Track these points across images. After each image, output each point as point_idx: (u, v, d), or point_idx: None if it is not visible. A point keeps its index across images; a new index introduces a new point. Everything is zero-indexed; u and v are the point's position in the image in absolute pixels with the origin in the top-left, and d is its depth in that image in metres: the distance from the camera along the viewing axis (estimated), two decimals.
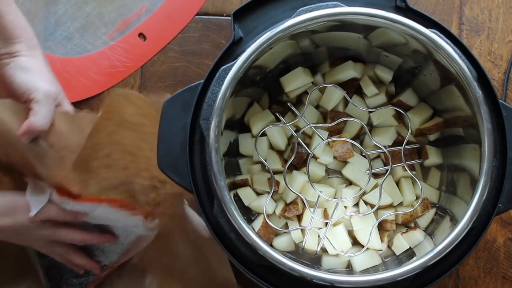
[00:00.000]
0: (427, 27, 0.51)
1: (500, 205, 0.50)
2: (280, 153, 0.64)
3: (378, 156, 0.64)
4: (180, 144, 0.52)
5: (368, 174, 0.62)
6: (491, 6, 0.68)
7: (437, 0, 0.69)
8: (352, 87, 0.64)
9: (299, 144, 0.61)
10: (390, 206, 0.62)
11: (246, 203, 0.62)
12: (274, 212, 0.62)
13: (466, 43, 0.65)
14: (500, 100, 0.51)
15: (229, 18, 0.60)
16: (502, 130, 0.51)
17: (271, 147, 0.64)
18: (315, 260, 0.60)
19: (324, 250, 0.60)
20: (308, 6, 0.52)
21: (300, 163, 0.63)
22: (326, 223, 0.61)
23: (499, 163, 0.51)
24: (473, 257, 0.65)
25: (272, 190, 0.61)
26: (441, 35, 0.51)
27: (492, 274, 0.65)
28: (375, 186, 0.62)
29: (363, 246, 0.59)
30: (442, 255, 0.49)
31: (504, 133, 0.51)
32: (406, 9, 0.53)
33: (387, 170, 0.61)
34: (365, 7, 0.52)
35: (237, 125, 0.63)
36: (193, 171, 0.52)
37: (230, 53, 0.53)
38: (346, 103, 0.64)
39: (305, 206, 0.60)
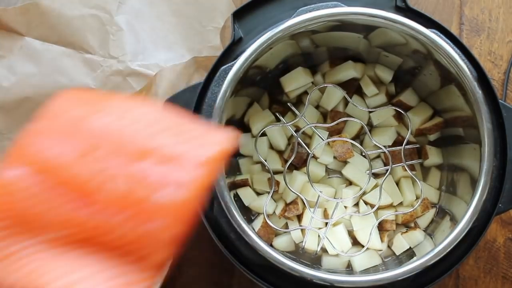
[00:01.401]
0: (427, 27, 0.51)
1: (500, 205, 0.50)
2: (280, 153, 0.64)
3: (378, 156, 0.64)
4: None
5: (368, 174, 0.62)
6: (491, 6, 0.68)
7: (437, 0, 0.69)
8: (352, 87, 0.64)
9: (299, 144, 0.61)
10: (390, 206, 0.62)
11: (246, 203, 0.62)
12: (274, 212, 0.62)
13: (466, 43, 0.65)
14: (500, 100, 0.51)
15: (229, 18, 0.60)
16: (502, 130, 0.51)
17: (271, 147, 0.64)
18: (315, 260, 0.60)
19: (324, 250, 0.60)
20: (308, 6, 0.52)
21: (300, 163, 0.63)
22: (326, 223, 0.61)
23: (499, 163, 0.51)
24: (473, 257, 0.65)
25: (272, 190, 0.61)
26: (441, 35, 0.51)
27: (492, 274, 0.65)
28: (375, 186, 0.62)
29: (363, 246, 0.59)
30: (442, 255, 0.49)
31: (504, 133, 0.51)
32: (406, 9, 0.53)
33: (387, 170, 0.61)
34: (365, 7, 0.52)
35: (237, 125, 0.63)
36: None
37: (230, 53, 0.53)
38: (346, 103, 0.64)
39: (305, 206, 0.60)
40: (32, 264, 0.34)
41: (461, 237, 0.49)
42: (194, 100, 0.52)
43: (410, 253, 0.59)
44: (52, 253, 0.35)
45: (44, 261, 0.34)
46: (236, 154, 0.64)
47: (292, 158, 0.60)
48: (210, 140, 0.36)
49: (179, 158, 0.34)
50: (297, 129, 0.62)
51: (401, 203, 0.62)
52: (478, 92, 0.50)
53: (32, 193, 0.35)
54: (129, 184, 0.34)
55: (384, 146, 0.61)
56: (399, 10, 0.53)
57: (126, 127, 0.36)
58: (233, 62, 0.51)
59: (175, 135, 0.36)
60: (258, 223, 0.60)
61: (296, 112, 0.62)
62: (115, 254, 0.35)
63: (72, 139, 0.36)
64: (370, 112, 0.63)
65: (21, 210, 0.35)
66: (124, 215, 0.34)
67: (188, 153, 0.34)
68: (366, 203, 0.62)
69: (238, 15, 0.54)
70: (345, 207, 0.62)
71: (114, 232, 0.35)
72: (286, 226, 0.63)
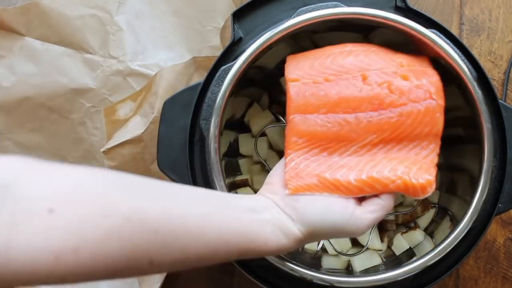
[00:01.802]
0: (427, 27, 0.51)
1: (500, 205, 0.50)
2: (280, 153, 0.64)
3: None
4: (180, 144, 0.52)
5: None
6: (491, 6, 0.68)
7: (437, 0, 0.69)
8: None
9: None
10: None
11: None
12: None
13: (466, 43, 0.65)
14: (500, 100, 0.51)
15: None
16: (502, 130, 0.51)
17: (271, 147, 0.64)
18: (315, 260, 0.60)
19: (324, 250, 0.60)
20: (308, 6, 0.52)
21: None
22: None
23: (499, 163, 0.51)
24: (473, 257, 0.65)
25: None
26: (441, 35, 0.51)
27: (492, 274, 0.65)
28: None
29: (363, 246, 0.59)
30: (442, 255, 0.49)
31: (504, 133, 0.51)
32: (406, 9, 0.53)
33: None
34: (365, 7, 0.52)
35: (237, 125, 0.63)
36: (193, 171, 0.52)
37: (230, 53, 0.53)
38: None
39: None
40: (364, 164, 0.48)
41: (461, 237, 0.49)
42: (194, 100, 0.52)
43: (410, 253, 0.59)
44: (367, 153, 0.49)
45: (366, 159, 0.48)
46: (236, 154, 0.64)
47: None
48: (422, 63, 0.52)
49: (417, 70, 0.50)
50: None
51: (401, 203, 0.62)
52: (478, 92, 0.50)
53: (337, 124, 0.49)
54: (404, 83, 0.49)
55: None
56: (399, 10, 0.53)
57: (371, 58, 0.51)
58: (233, 62, 0.51)
59: (395, 60, 0.51)
60: None
61: None
62: (408, 142, 0.49)
63: (336, 81, 0.50)
64: None
65: (336, 135, 0.49)
66: (408, 105, 0.49)
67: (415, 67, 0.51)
68: None
69: (238, 15, 0.54)
70: None
71: (405, 123, 0.49)
72: None
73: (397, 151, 0.49)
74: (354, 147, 0.50)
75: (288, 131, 0.50)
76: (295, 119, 0.49)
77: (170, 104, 0.52)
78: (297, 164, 0.49)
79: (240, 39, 0.53)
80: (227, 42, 0.53)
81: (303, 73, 0.51)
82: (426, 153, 0.49)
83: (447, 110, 0.60)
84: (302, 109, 0.50)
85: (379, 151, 0.49)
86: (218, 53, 0.56)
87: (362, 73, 0.50)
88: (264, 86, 0.63)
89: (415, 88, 0.50)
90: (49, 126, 0.67)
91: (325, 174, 0.47)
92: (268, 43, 0.51)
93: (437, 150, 0.49)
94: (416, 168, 0.47)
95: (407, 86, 0.49)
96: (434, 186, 0.46)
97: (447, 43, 0.50)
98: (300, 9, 0.52)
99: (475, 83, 0.50)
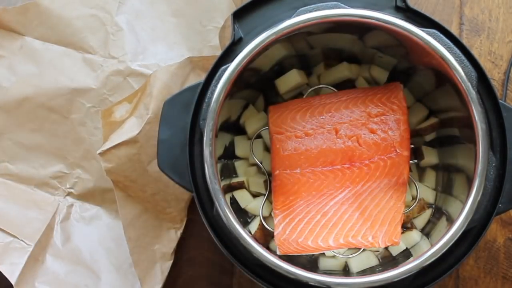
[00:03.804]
0: (427, 27, 0.51)
1: (500, 205, 0.50)
2: None
3: None
4: (180, 144, 0.52)
5: None
6: (491, 6, 0.68)
7: (437, 0, 0.69)
8: (347, 88, 0.63)
9: None
10: None
11: (242, 206, 0.62)
12: (271, 214, 0.62)
13: (466, 43, 0.65)
14: (500, 100, 0.51)
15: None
16: (502, 130, 0.51)
17: (267, 149, 0.64)
18: (312, 261, 0.60)
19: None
20: (308, 6, 0.52)
21: None
22: None
23: (499, 163, 0.51)
24: (473, 257, 0.65)
25: (268, 192, 0.60)
26: (440, 35, 0.51)
27: (492, 274, 0.65)
28: None
29: (360, 247, 0.59)
30: (438, 256, 0.49)
31: (504, 133, 0.51)
32: (406, 9, 0.52)
33: None
34: (365, 7, 0.52)
35: (233, 127, 0.63)
36: (193, 171, 0.52)
37: (230, 53, 0.53)
38: None
39: None
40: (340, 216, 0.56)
41: (456, 237, 0.49)
42: (194, 100, 0.52)
43: (406, 254, 0.59)
44: (346, 211, 0.56)
45: (343, 219, 0.56)
46: (233, 156, 0.64)
47: None
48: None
49: (384, 120, 0.58)
50: None
51: None
52: (472, 93, 0.49)
53: (318, 178, 0.57)
54: (371, 137, 0.57)
55: None
56: (399, 10, 0.52)
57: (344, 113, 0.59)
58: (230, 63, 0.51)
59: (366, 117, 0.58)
60: (254, 226, 0.60)
61: None
62: (378, 192, 0.56)
63: (315, 135, 0.57)
64: None
65: (317, 189, 0.56)
66: (375, 157, 0.56)
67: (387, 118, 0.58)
68: None
69: (238, 15, 0.54)
70: None
71: (374, 174, 0.56)
72: None
73: (370, 201, 0.56)
74: (332, 202, 0.56)
75: (275, 190, 0.57)
76: (282, 176, 0.57)
77: (170, 104, 0.52)
78: (284, 229, 0.56)
79: (240, 39, 0.53)
80: (227, 42, 0.53)
81: (286, 126, 0.58)
82: (394, 202, 0.56)
83: (443, 111, 0.60)
84: (287, 165, 0.57)
85: (353, 204, 0.56)
86: (218, 53, 0.56)
87: (335, 127, 0.57)
88: (259, 88, 0.63)
89: (381, 141, 0.56)
90: (49, 126, 0.67)
91: (308, 241, 0.55)
92: (267, 42, 0.51)
93: (404, 197, 0.56)
94: (384, 230, 0.55)
95: (373, 139, 0.56)
96: (399, 243, 0.56)
97: (443, 44, 0.50)
98: (300, 9, 0.52)
99: (469, 84, 0.49)
